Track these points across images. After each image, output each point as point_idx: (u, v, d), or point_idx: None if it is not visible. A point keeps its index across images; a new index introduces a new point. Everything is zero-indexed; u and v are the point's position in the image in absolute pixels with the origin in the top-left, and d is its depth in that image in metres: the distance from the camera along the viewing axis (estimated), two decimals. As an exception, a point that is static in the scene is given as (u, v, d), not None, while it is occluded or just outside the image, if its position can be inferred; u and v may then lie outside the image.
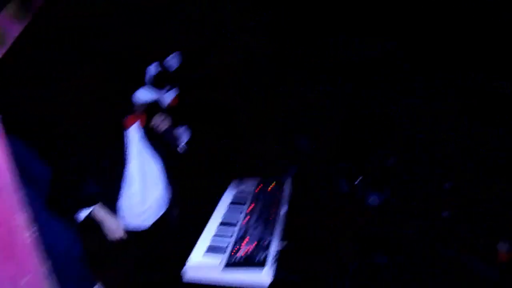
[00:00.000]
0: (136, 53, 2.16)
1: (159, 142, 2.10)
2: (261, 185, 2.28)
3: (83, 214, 1.96)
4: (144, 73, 2.03)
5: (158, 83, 2.04)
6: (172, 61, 2.10)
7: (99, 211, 1.97)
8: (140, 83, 2.01)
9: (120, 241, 2.06)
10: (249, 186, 2.29)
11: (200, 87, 2.93)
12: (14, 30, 0.89)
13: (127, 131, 1.99)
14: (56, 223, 2.02)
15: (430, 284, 2.33)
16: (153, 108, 2.08)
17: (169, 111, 2.21)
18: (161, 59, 2.08)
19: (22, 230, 0.74)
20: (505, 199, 2.48)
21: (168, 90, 2.12)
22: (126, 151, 1.98)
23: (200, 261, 1.69)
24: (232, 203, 2.14)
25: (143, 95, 2.01)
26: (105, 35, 2.20)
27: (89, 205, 1.97)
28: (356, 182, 2.89)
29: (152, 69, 2.07)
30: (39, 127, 2.19)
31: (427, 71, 2.81)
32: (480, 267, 2.36)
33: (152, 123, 2.07)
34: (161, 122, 2.07)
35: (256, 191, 2.22)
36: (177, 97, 2.19)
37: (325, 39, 3.14)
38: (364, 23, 2.88)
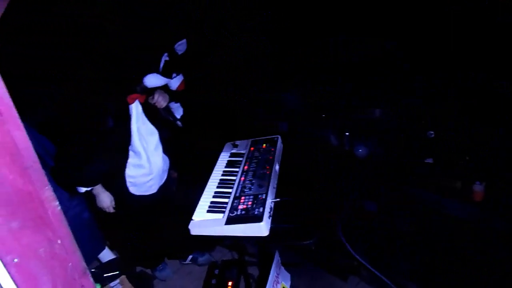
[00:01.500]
0: (136, 53, 2.16)
1: (156, 117, 2.20)
2: (254, 145, 2.39)
3: (82, 189, 2.06)
4: (143, 69, 2.05)
5: (166, 70, 2.08)
6: (180, 47, 2.14)
7: (96, 187, 2.11)
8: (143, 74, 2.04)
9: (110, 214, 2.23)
10: (243, 147, 2.39)
11: (200, 87, 2.93)
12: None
13: (129, 107, 2.06)
14: (63, 191, 2.09)
15: (414, 226, 2.56)
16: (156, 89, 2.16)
17: (176, 95, 2.29)
18: (170, 46, 2.12)
19: (50, 202, 0.87)
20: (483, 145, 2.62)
21: (176, 76, 2.18)
22: (129, 125, 2.06)
23: (203, 219, 1.79)
24: (227, 164, 2.25)
25: (152, 81, 2.06)
26: (105, 35, 2.20)
27: (88, 186, 2.07)
28: (344, 136, 3.02)
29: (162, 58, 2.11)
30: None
31: (427, 71, 2.81)
32: (457, 207, 2.57)
33: (153, 100, 2.14)
34: (160, 99, 2.15)
35: (251, 150, 2.34)
36: (183, 82, 2.24)
37: (325, 39, 3.15)
38: (364, 23, 2.88)
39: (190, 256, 2.83)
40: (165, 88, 2.21)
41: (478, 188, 2.54)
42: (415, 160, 2.79)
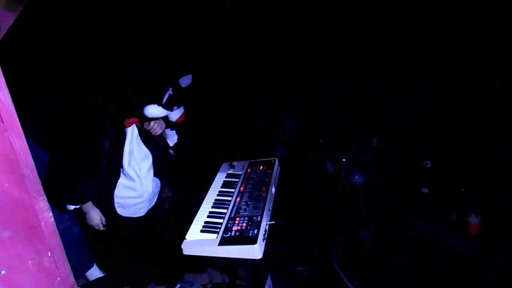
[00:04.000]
0: (136, 53, 2.16)
1: (151, 141, 2.20)
2: (251, 166, 2.38)
3: (71, 207, 2.04)
4: (143, 74, 2.05)
5: (169, 103, 2.09)
6: (184, 81, 2.16)
7: (85, 204, 2.08)
8: (142, 86, 2.03)
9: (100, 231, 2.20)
10: (240, 168, 2.39)
11: (200, 87, 2.93)
12: (7, 21, 0.96)
13: (126, 130, 2.05)
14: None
15: (407, 257, 2.51)
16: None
17: (176, 125, 2.30)
18: (175, 80, 2.12)
19: (44, 212, 0.86)
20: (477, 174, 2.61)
21: (177, 108, 2.18)
22: (123, 147, 2.05)
23: (197, 238, 1.78)
24: (223, 184, 2.24)
25: (152, 112, 2.07)
26: (105, 35, 2.21)
27: (77, 204, 2.05)
28: (341, 162, 3.00)
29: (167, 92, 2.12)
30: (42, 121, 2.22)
31: (427, 71, 2.81)
32: (452, 239, 2.53)
33: (149, 127, 2.15)
34: (156, 126, 2.16)
35: (247, 171, 2.33)
36: (183, 114, 2.25)
37: (325, 39, 3.14)
38: (364, 23, 2.87)
39: (178, 285, 2.78)
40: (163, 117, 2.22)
41: (474, 220, 2.52)
42: (411, 190, 2.77)
